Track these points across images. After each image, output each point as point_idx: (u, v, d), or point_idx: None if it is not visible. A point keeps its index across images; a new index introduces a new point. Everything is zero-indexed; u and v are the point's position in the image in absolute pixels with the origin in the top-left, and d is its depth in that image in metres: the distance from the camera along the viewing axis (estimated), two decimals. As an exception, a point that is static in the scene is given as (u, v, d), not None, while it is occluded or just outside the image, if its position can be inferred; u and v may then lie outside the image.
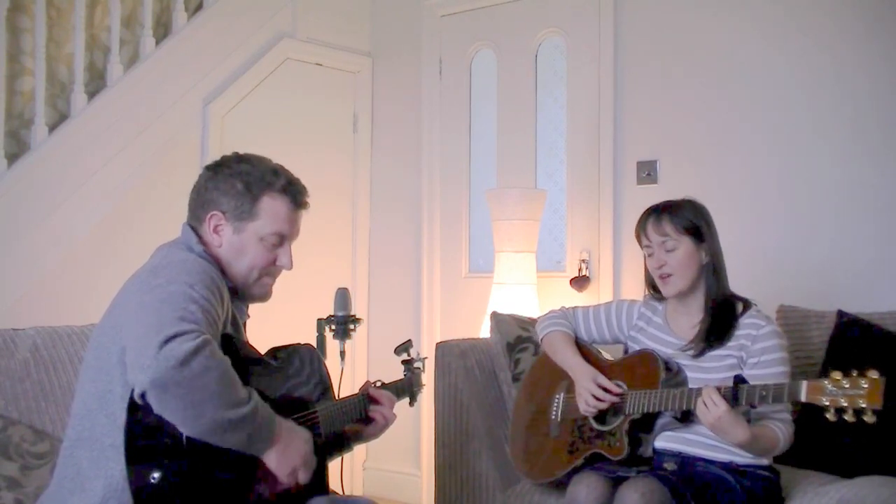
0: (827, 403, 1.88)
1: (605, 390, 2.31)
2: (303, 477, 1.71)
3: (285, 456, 1.66)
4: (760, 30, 3.30)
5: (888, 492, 2.11)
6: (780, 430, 2.15)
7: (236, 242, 1.84)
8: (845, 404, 1.86)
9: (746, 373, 2.20)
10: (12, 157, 3.16)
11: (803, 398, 1.94)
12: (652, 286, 2.43)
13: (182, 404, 1.51)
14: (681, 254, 2.28)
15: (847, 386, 1.86)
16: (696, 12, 3.46)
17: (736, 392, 2.04)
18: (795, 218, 3.20)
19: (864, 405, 1.83)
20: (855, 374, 1.87)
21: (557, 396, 2.50)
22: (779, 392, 1.99)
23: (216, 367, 1.53)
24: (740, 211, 3.25)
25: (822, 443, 2.42)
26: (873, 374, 1.85)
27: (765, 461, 2.22)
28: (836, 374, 1.89)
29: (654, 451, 2.30)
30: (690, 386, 2.24)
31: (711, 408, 2.04)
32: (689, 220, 2.30)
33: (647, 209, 2.37)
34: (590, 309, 2.58)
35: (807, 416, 2.19)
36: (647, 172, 3.54)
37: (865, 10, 3.08)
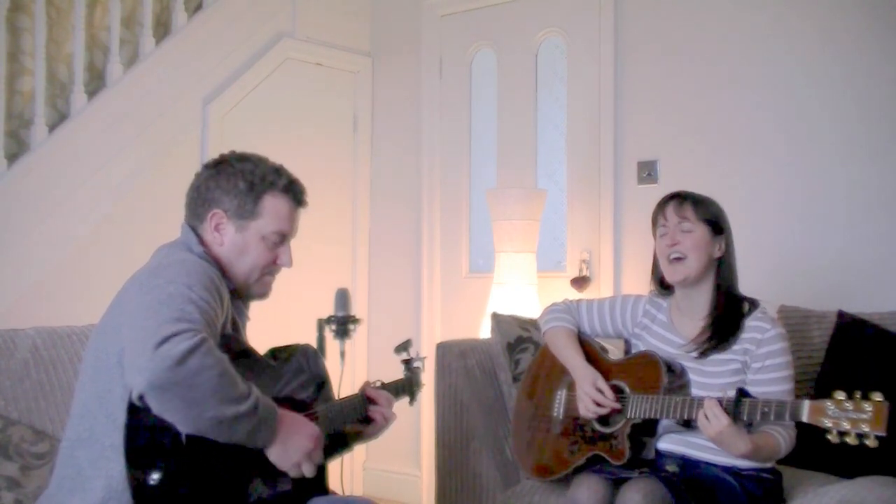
0: (829, 425, 1.86)
1: (603, 394, 2.31)
2: (307, 470, 1.70)
3: (287, 450, 1.66)
4: (762, 30, 3.30)
5: (888, 492, 2.10)
6: (781, 436, 2.14)
7: (239, 241, 1.85)
8: (848, 427, 1.83)
9: (749, 377, 2.19)
10: (12, 157, 3.15)
11: (805, 419, 1.92)
12: (659, 281, 2.41)
13: (182, 404, 1.51)
14: (695, 237, 2.27)
15: (850, 408, 1.84)
16: (697, 12, 3.46)
17: (738, 408, 2.03)
18: (796, 218, 3.20)
19: (866, 430, 1.81)
20: (858, 396, 1.84)
21: (559, 393, 2.49)
22: (780, 410, 1.98)
23: (213, 364, 1.53)
24: (741, 211, 3.22)
25: (822, 443, 2.41)
26: (877, 398, 1.82)
27: (767, 463, 2.21)
28: (840, 395, 1.87)
29: (657, 452, 2.29)
30: (693, 389, 2.24)
31: (714, 421, 2.03)
32: (711, 211, 2.30)
33: (670, 193, 2.36)
34: (594, 302, 2.56)
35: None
36: (648, 172, 3.54)
37: (870, 6, 3.07)
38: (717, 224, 2.30)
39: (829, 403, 1.87)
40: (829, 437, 1.86)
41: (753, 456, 2.11)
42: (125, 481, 1.57)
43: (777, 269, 3.18)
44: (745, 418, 2.03)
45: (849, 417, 1.83)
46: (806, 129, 3.19)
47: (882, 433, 1.80)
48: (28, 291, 3.10)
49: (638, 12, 3.61)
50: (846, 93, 3.11)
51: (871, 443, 1.81)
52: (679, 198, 2.32)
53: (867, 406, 1.82)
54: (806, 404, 1.92)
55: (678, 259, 2.28)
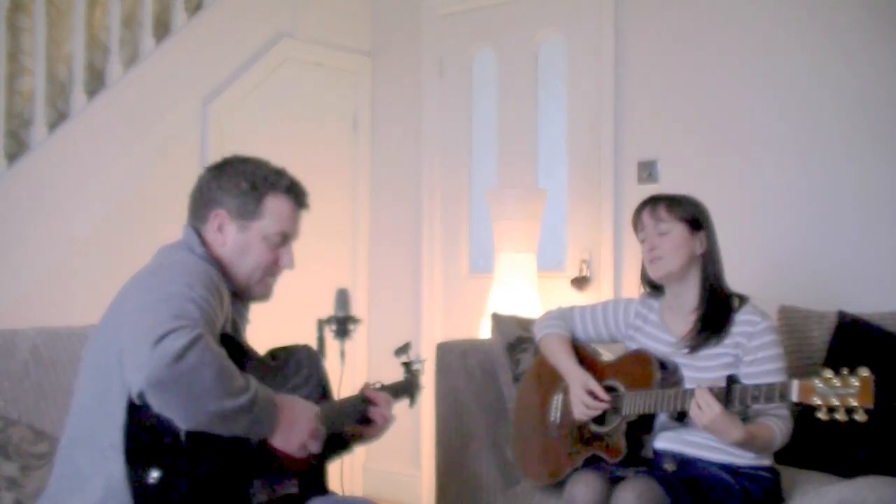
0: (819, 403, 1.88)
1: (595, 396, 2.32)
2: (314, 447, 1.73)
3: (292, 434, 1.68)
4: (764, 28, 3.30)
5: (888, 492, 2.11)
6: (776, 426, 2.15)
7: (241, 241, 1.86)
8: (837, 403, 1.86)
9: (743, 370, 2.20)
10: (12, 157, 3.16)
11: (795, 398, 1.94)
12: (647, 283, 2.43)
13: (181, 400, 1.52)
14: (673, 238, 2.29)
15: (838, 385, 1.86)
16: (698, 11, 3.46)
17: (729, 393, 2.04)
18: (796, 218, 3.19)
19: (855, 404, 1.84)
20: (846, 372, 1.87)
21: (556, 398, 2.50)
22: (771, 392, 1.99)
23: (212, 359, 1.53)
24: (741, 211, 3.25)
25: (822, 443, 2.42)
26: (864, 373, 1.85)
27: (766, 462, 2.22)
28: (828, 373, 1.89)
29: (654, 451, 2.30)
30: (686, 385, 2.24)
31: (706, 409, 2.04)
32: (686, 209, 2.32)
33: (645, 198, 2.38)
34: (587, 308, 2.58)
35: (806, 415, 2.19)
36: (648, 172, 3.54)
37: (871, 7, 3.07)
38: (694, 221, 2.31)
39: (817, 381, 1.90)
40: (819, 415, 1.88)
41: (748, 444, 2.12)
42: (124, 481, 1.58)
43: (777, 269, 3.18)
44: (736, 404, 2.04)
45: (837, 393, 1.86)
46: (807, 129, 3.19)
47: (870, 406, 1.83)
48: (28, 291, 3.10)
49: (638, 12, 3.61)
50: (849, 92, 3.10)
51: (860, 417, 1.83)
52: (652, 201, 2.34)
53: (854, 381, 1.85)
54: (795, 384, 1.94)
55: (658, 257, 2.30)
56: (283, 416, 1.67)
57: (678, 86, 3.49)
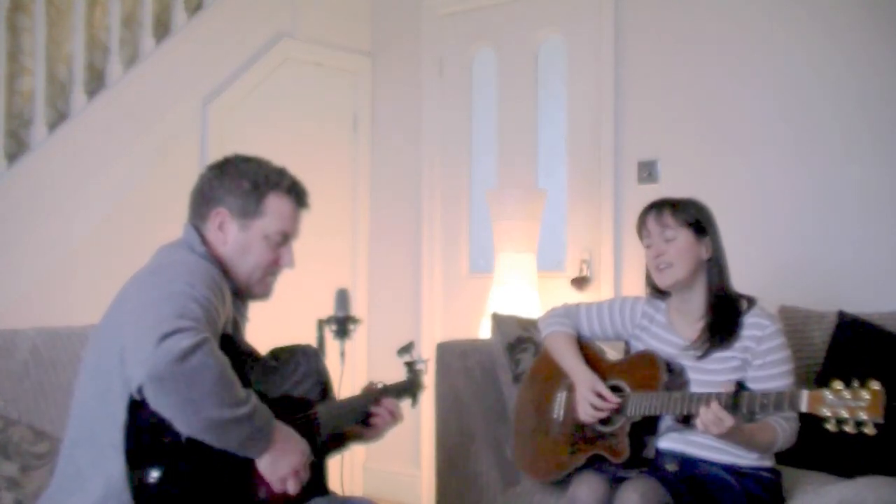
0: (828, 414, 1.87)
1: (602, 398, 2.31)
2: (292, 487, 1.69)
3: (277, 463, 1.66)
4: (763, 27, 3.30)
5: (888, 492, 2.11)
6: (780, 427, 2.15)
7: (242, 240, 1.86)
8: (846, 416, 1.84)
9: (751, 374, 2.20)
10: (12, 157, 3.16)
11: (804, 408, 1.93)
12: (652, 287, 2.43)
13: (179, 400, 1.52)
14: (679, 244, 2.28)
15: (848, 397, 1.85)
16: (698, 10, 3.46)
17: (737, 400, 2.04)
18: (797, 218, 3.19)
19: (865, 417, 1.82)
20: (856, 384, 1.85)
21: (560, 395, 2.50)
22: (779, 400, 1.99)
23: (215, 365, 1.54)
24: (741, 211, 3.25)
25: (822, 443, 2.42)
26: (875, 386, 1.83)
27: (767, 462, 2.22)
28: (838, 385, 1.87)
29: (657, 451, 2.29)
30: (692, 387, 2.24)
31: (719, 424, 2.03)
32: (691, 214, 2.31)
33: (649, 203, 2.38)
34: (593, 306, 2.57)
35: (807, 416, 2.19)
36: (648, 172, 3.54)
37: (871, 7, 3.07)
38: (699, 225, 2.30)
39: (827, 392, 1.89)
40: (828, 426, 1.87)
41: (748, 444, 2.12)
42: (124, 480, 1.58)
43: (777, 269, 3.18)
44: (744, 411, 2.04)
45: (847, 405, 1.85)
46: (807, 130, 3.19)
47: (880, 420, 1.81)
48: (28, 291, 3.10)
49: (638, 12, 3.61)
50: (849, 92, 3.10)
51: (869, 430, 1.82)
52: (657, 207, 2.33)
53: (865, 394, 1.83)
54: (804, 394, 1.94)
55: (665, 266, 2.29)
56: (277, 441, 1.66)
57: (678, 86, 3.49)
